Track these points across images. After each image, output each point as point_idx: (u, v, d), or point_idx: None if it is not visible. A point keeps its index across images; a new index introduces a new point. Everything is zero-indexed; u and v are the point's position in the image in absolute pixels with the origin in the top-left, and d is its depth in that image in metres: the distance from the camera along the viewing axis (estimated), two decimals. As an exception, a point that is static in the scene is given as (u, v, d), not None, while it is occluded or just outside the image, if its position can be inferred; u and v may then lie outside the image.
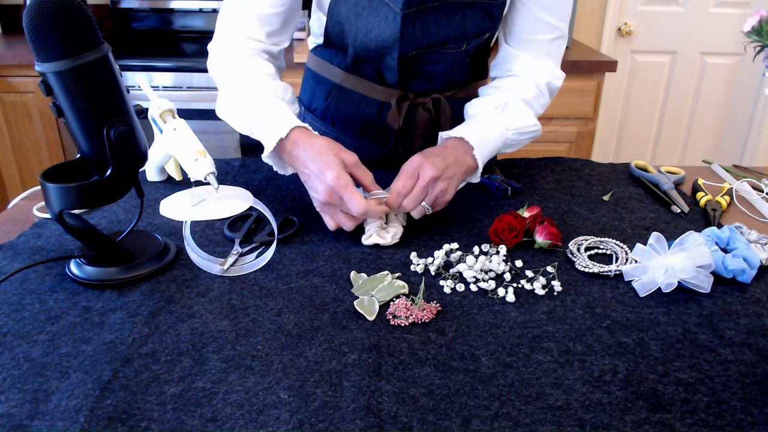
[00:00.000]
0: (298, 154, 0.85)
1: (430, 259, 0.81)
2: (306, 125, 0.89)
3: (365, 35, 0.97)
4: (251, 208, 0.83)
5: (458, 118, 1.10)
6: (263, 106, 0.92)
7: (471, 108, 1.03)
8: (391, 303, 0.71)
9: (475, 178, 0.97)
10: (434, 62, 1.03)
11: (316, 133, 0.88)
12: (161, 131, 0.91)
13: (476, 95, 1.10)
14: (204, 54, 2.38)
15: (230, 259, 0.80)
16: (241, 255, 0.82)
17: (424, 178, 0.86)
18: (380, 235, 0.85)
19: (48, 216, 0.92)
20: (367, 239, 0.86)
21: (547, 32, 1.01)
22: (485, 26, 1.00)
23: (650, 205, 1.00)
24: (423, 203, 0.87)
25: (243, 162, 1.16)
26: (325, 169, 0.81)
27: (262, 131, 0.91)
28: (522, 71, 1.04)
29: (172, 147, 0.90)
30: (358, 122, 1.11)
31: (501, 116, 0.99)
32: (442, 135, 0.96)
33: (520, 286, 0.76)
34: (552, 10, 0.99)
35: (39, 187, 0.90)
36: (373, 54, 1.00)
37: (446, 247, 0.83)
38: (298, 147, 0.85)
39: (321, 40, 1.08)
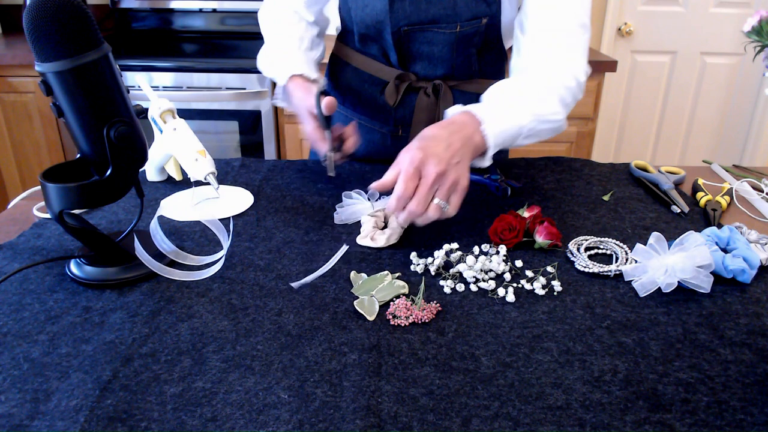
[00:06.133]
0: (292, 99, 1.07)
1: (430, 259, 0.81)
2: (303, 73, 1.05)
3: (362, 10, 1.04)
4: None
5: None
6: (280, 54, 1.11)
7: (487, 92, 0.93)
8: (391, 303, 0.71)
9: (485, 162, 0.88)
10: (430, 42, 1.05)
11: (307, 82, 1.04)
12: (161, 131, 0.91)
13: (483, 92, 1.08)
14: (203, 54, 2.39)
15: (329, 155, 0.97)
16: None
17: (429, 176, 0.77)
18: (373, 237, 0.85)
19: (48, 216, 0.92)
20: (362, 239, 0.86)
21: (564, 23, 0.93)
22: (479, 9, 1.00)
23: (650, 205, 1.00)
24: (436, 200, 0.79)
25: (243, 162, 1.16)
26: (303, 122, 1.04)
27: (275, 76, 1.11)
28: (542, 63, 0.96)
29: (172, 147, 0.90)
30: (364, 101, 1.17)
31: (520, 98, 0.90)
32: (448, 112, 0.90)
33: (520, 286, 0.76)
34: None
35: (39, 187, 0.90)
36: (372, 30, 1.06)
37: (446, 247, 0.83)
38: (292, 94, 1.06)
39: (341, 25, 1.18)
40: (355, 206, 0.94)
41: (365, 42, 1.11)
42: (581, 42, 0.95)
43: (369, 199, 0.95)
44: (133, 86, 2.21)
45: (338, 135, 1.03)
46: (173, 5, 2.66)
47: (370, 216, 0.89)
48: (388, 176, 0.79)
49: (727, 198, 1.00)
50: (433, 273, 0.79)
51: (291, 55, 1.09)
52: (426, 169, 0.78)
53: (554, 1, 0.93)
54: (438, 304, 0.71)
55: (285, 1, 1.13)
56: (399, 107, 1.13)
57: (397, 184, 0.78)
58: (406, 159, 0.78)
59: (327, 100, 0.95)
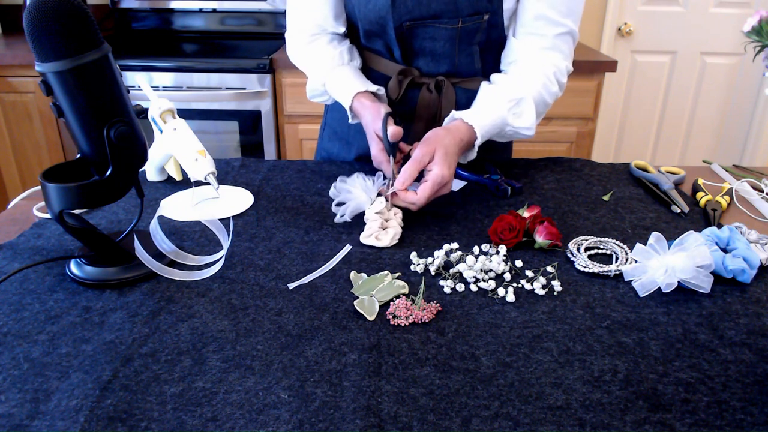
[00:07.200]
0: (362, 119, 1.06)
1: (430, 259, 0.81)
2: (366, 89, 1.05)
3: (365, 6, 1.05)
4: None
5: (462, 106, 1.12)
6: (332, 78, 1.10)
7: (484, 93, 1.04)
8: (391, 303, 0.71)
9: (462, 160, 1.02)
10: (432, 38, 1.06)
11: (375, 101, 1.04)
12: (161, 131, 0.91)
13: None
14: (204, 54, 2.39)
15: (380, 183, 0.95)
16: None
17: (438, 194, 0.92)
18: (378, 237, 0.86)
19: (48, 216, 0.92)
20: (366, 238, 0.86)
21: (552, 27, 1.02)
22: (480, 5, 1.02)
23: (650, 205, 1.00)
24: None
25: (243, 162, 1.16)
26: (370, 143, 1.03)
27: (337, 97, 1.11)
28: (528, 62, 1.05)
29: (172, 147, 0.90)
30: None
31: (509, 112, 1.01)
32: (455, 115, 1.00)
33: (520, 286, 0.76)
34: (555, 6, 1.00)
35: (39, 187, 0.90)
36: (375, 26, 1.07)
37: (446, 247, 0.83)
38: (360, 114, 1.05)
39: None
40: (354, 202, 0.93)
41: (369, 38, 1.12)
42: (568, 47, 1.06)
43: (365, 180, 0.94)
44: (133, 86, 2.21)
45: (402, 156, 1.03)
46: (173, 5, 2.66)
47: (376, 214, 0.89)
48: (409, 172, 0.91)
49: (727, 198, 1.00)
50: (433, 273, 0.79)
51: (342, 76, 1.08)
52: (442, 190, 0.92)
53: (547, 12, 1.01)
54: (438, 304, 0.71)
55: (312, 22, 1.11)
56: (401, 103, 1.13)
57: (420, 197, 0.90)
58: (436, 174, 0.90)
59: (393, 130, 0.96)
